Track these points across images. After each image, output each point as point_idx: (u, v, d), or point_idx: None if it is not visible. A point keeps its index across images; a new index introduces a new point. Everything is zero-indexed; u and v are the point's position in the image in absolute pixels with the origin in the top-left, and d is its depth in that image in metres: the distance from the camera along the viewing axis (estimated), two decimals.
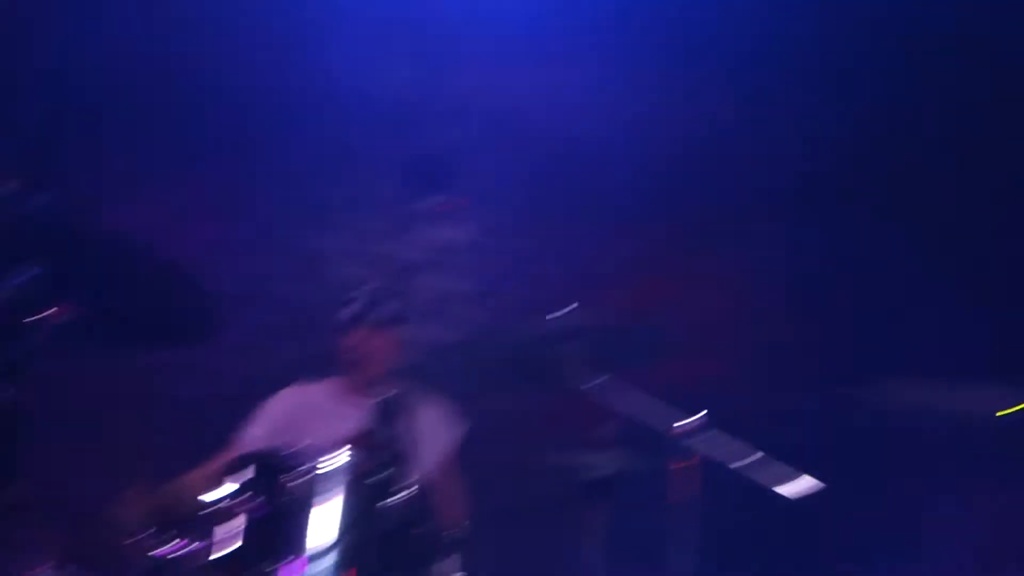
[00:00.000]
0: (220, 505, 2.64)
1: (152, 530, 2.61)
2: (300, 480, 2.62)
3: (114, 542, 3.08)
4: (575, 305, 3.00)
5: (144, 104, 4.65)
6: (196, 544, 2.60)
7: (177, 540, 2.60)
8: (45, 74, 4.59)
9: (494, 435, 4.71)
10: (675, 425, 2.91)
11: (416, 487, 2.75)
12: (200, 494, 3.32)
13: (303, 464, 2.64)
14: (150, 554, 2.60)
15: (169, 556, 2.60)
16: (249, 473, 2.67)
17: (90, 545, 3.29)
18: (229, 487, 2.64)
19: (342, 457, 2.69)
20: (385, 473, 2.68)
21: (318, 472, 2.65)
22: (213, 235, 4.75)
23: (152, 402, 4.56)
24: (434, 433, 3.76)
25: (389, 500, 2.69)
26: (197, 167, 4.74)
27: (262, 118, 4.77)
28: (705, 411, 2.96)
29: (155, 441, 4.39)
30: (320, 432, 3.41)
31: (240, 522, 2.61)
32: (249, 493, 2.64)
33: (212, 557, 2.58)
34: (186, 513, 3.27)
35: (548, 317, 3.08)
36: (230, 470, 2.69)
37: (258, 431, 3.61)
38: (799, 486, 2.88)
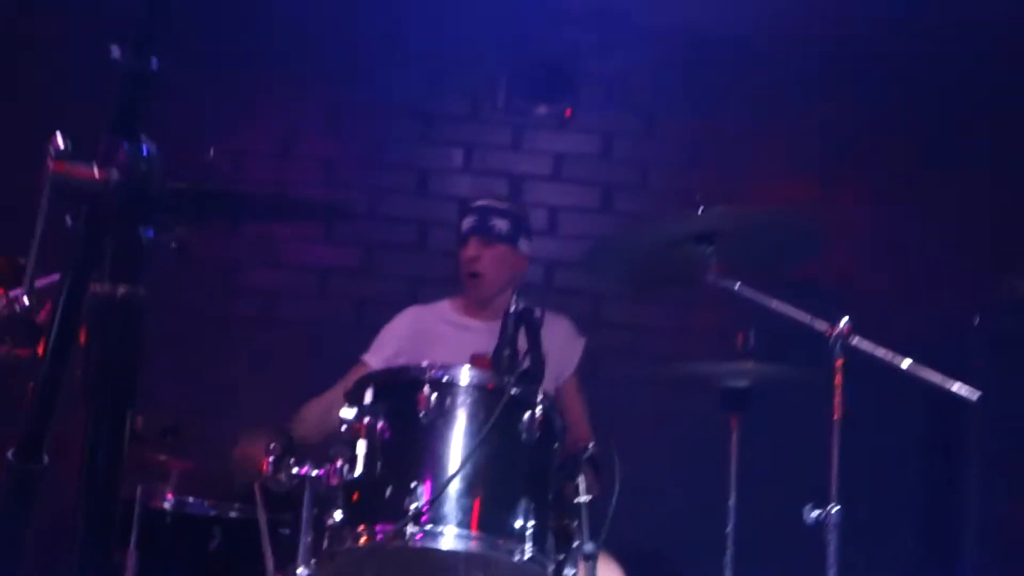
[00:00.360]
0: (346, 429, 2.52)
1: (279, 457, 2.51)
2: (426, 400, 2.49)
3: (241, 470, 3.05)
4: (703, 208, 2.79)
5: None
6: (323, 470, 2.49)
7: (304, 466, 2.49)
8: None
9: (621, 348, 4.59)
10: (823, 329, 2.70)
11: (547, 403, 2.59)
12: (325, 419, 3.31)
13: (428, 384, 2.51)
14: (278, 480, 2.50)
15: (297, 482, 2.50)
16: (373, 396, 2.55)
17: (216, 472, 3.27)
18: (352, 411, 2.53)
19: (468, 375, 2.56)
20: (512, 390, 2.52)
21: (444, 392, 2.52)
22: (325, 155, 4.67)
23: (270, 327, 4.53)
24: (560, 347, 3.65)
25: (519, 418, 2.54)
26: (308, 91, 4.64)
27: (368, 36, 4.63)
28: (848, 317, 2.73)
29: (276, 366, 4.36)
30: (443, 351, 3.34)
31: (366, 446, 2.50)
32: (375, 416, 2.52)
33: (340, 482, 2.48)
34: (312, 438, 3.27)
35: (678, 217, 2.87)
36: (355, 394, 2.58)
37: (381, 354, 3.53)
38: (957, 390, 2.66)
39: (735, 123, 4.69)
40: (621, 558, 3.16)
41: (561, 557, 2.70)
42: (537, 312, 2.71)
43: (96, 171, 0.98)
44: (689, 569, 3.50)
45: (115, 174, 0.99)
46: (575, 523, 2.77)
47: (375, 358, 3.52)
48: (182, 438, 3.13)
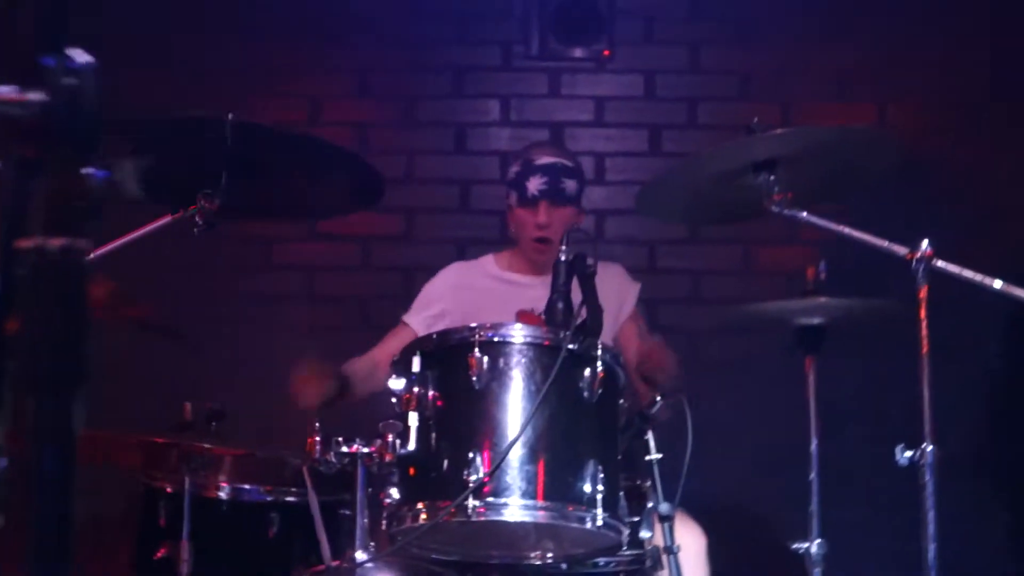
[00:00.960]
0: (396, 401, 2.36)
1: (326, 436, 2.35)
2: (478, 364, 2.31)
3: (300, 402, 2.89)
4: (760, 132, 2.57)
5: None
6: (374, 446, 2.32)
7: (354, 444, 2.33)
8: None
9: (681, 296, 4.39)
10: (902, 253, 2.48)
11: (608, 357, 2.41)
12: (369, 379, 3.16)
13: (478, 347, 2.33)
14: (327, 461, 2.34)
15: (347, 461, 2.34)
16: (421, 364, 2.38)
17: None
18: (401, 381, 2.36)
19: (521, 333, 2.38)
20: (569, 345, 2.33)
21: (496, 353, 2.34)
22: (358, 120, 4.50)
23: (312, 302, 4.39)
24: (616, 295, 3.46)
25: (580, 375, 2.35)
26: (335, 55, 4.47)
27: None
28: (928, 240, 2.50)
29: (322, 341, 4.21)
30: (490, 309, 3.15)
31: (418, 418, 2.33)
32: (424, 385, 2.35)
33: (393, 458, 2.31)
34: (356, 395, 3.10)
35: (732, 146, 2.65)
36: (401, 363, 2.41)
37: (423, 314, 3.36)
38: None
39: (785, 49, 4.44)
40: (700, 516, 2.99)
41: (636, 519, 2.54)
42: (590, 260, 2.51)
43: (14, 94, 0.81)
44: (773, 523, 3.31)
45: (38, 95, 0.81)
46: (648, 483, 2.61)
47: (416, 318, 3.34)
48: (228, 424, 2.98)
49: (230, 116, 2.47)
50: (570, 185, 3.32)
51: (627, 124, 4.47)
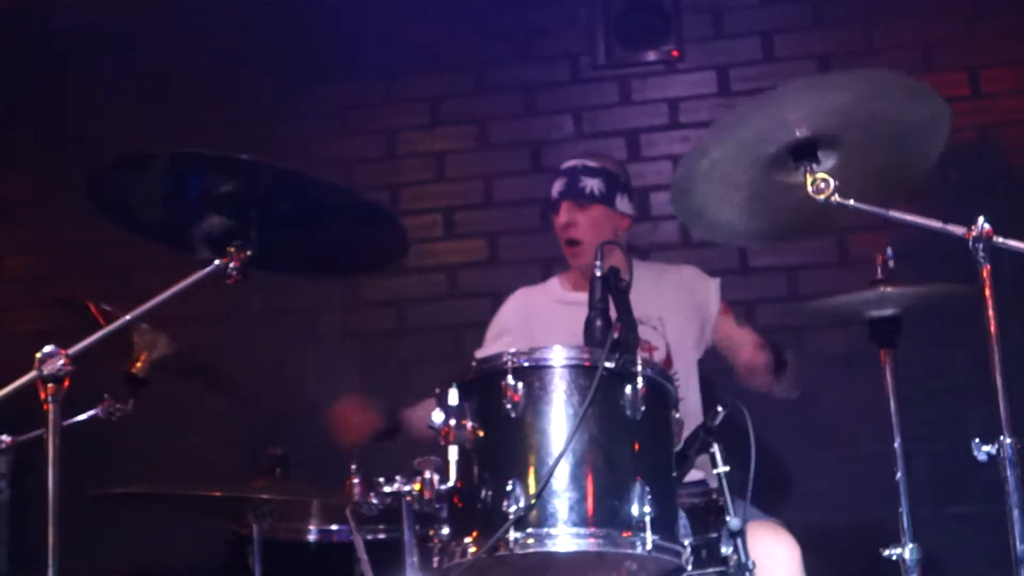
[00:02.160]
0: (437, 436, 2.31)
1: (365, 477, 2.32)
2: (512, 390, 2.25)
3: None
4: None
5: None
6: (415, 483, 2.28)
7: (395, 483, 2.29)
8: None
9: (776, 294, 4.24)
10: (959, 233, 2.31)
11: (651, 371, 2.31)
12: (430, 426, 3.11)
13: (511, 373, 2.26)
14: (369, 502, 2.31)
15: (389, 501, 2.30)
16: (458, 395, 2.32)
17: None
18: (440, 415, 2.30)
19: (553, 356, 2.30)
20: (605, 364, 2.24)
21: (531, 378, 2.26)
22: (433, 150, 4.49)
23: (404, 335, 4.39)
24: (690, 295, 3.37)
25: (620, 393, 2.26)
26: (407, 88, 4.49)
27: (455, 16, 4.44)
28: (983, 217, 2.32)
29: (416, 376, 4.21)
30: (555, 333, 3.07)
31: (457, 451, 2.28)
32: (461, 416, 2.29)
33: (433, 494, 2.26)
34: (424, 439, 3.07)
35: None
36: (441, 396, 2.35)
37: (493, 347, 3.31)
38: None
39: (863, 26, 4.25)
40: (791, 523, 2.85)
41: (714, 535, 2.43)
42: (623, 272, 2.42)
43: None
44: (864, 526, 3.13)
45: None
46: (722, 498, 2.50)
47: (487, 352, 3.30)
48: (295, 467, 3.01)
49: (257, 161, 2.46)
50: (591, 183, 3.26)
51: (703, 123, 4.33)
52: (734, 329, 3.35)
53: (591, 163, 3.33)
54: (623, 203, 3.34)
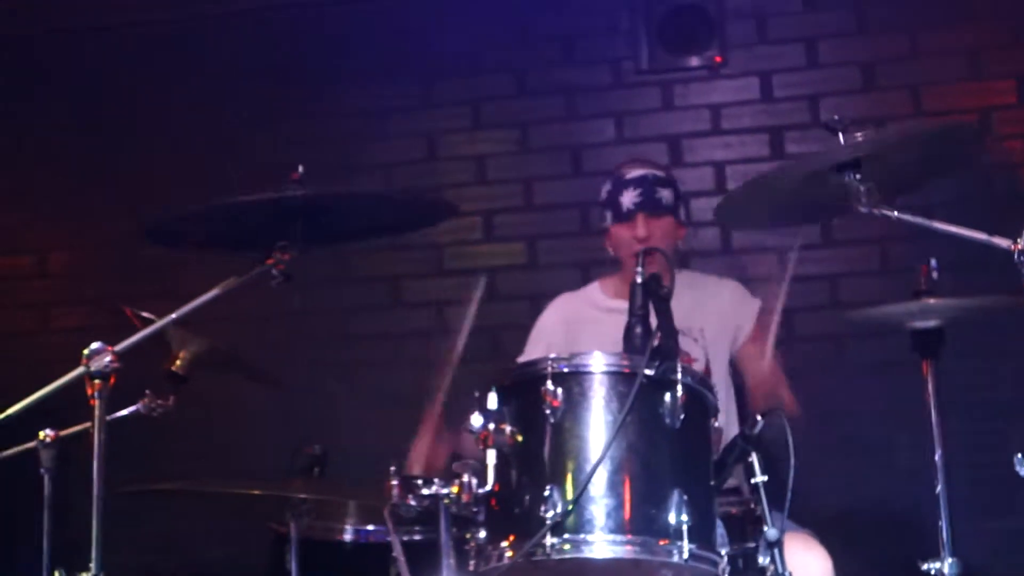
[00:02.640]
0: (476, 439, 2.31)
1: (404, 479, 2.34)
2: (552, 396, 2.25)
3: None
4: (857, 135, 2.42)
5: None
6: (453, 487, 2.29)
7: (432, 486, 2.30)
8: None
9: (818, 302, 4.21)
10: (1005, 245, 2.28)
11: (691, 379, 2.30)
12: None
13: (551, 379, 2.26)
14: (407, 504, 2.32)
15: (428, 503, 2.32)
16: (498, 399, 2.32)
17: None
18: (480, 419, 2.31)
19: (594, 363, 2.30)
20: (645, 371, 2.24)
21: (571, 384, 2.27)
22: (474, 153, 4.50)
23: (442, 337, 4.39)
24: (731, 312, 3.35)
25: (660, 401, 2.25)
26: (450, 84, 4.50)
27: (496, 20, 4.45)
28: None
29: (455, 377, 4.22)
30: (598, 340, 3.06)
31: (496, 455, 2.28)
32: (500, 421, 2.29)
33: (471, 498, 2.27)
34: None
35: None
36: (481, 399, 2.36)
37: (535, 354, 3.31)
38: None
39: (909, 31, 4.22)
40: (822, 533, 2.83)
41: (751, 545, 2.42)
42: (664, 279, 2.42)
43: None
44: (902, 538, 3.11)
45: None
46: (760, 507, 2.49)
47: (538, 357, 3.29)
48: (335, 466, 3.03)
49: (298, 173, 2.49)
50: (665, 194, 3.25)
51: (746, 130, 4.33)
52: (756, 358, 3.35)
53: (660, 173, 3.32)
54: (683, 213, 3.36)
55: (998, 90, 4.17)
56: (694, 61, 4.35)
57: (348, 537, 3.22)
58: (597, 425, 2.25)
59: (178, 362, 2.91)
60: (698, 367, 3.27)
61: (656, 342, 2.32)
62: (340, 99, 4.50)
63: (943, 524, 2.60)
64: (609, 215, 3.31)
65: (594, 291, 3.45)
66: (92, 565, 2.20)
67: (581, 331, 3.28)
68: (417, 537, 3.13)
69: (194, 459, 4.01)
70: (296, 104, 4.49)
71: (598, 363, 2.30)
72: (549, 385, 2.25)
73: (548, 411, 2.24)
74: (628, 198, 3.27)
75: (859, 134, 2.44)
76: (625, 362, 2.30)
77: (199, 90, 4.56)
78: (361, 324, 4.39)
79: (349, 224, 2.68)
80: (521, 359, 3.31)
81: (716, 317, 3.33)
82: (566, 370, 2.28)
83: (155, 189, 4.35)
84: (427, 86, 4.52)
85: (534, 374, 2.31)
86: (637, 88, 4.40)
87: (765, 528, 2.40)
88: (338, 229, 2.67)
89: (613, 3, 4.39)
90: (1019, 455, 2.23)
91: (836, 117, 2.46)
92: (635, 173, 3.32)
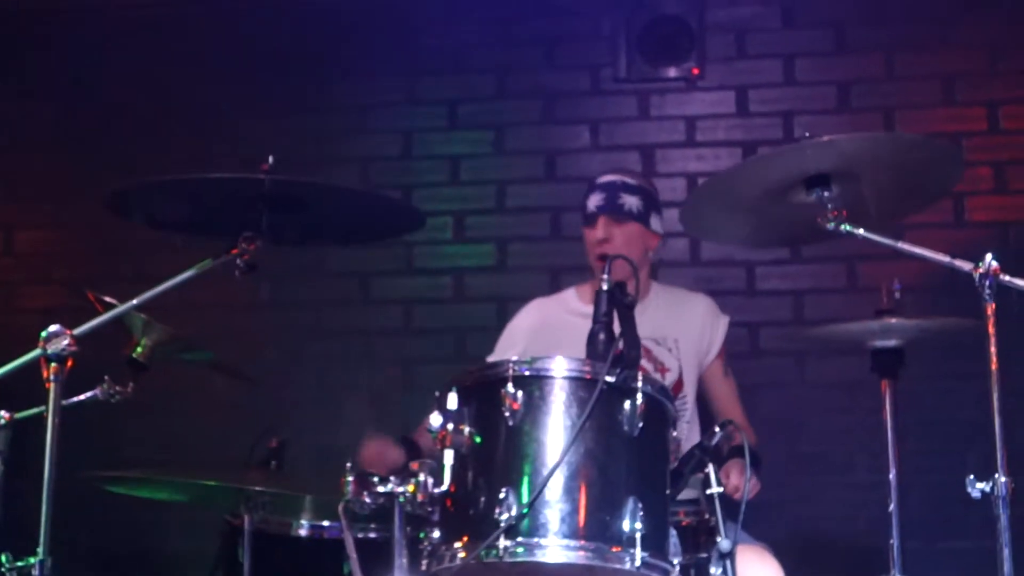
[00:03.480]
0: (433, 438, 2.31)
1: (360, 475, 2.33)
2: (511, 399, 2.25)
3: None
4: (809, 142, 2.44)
5: None
6: (409, 485, 2.29)
7: (388, 483, 2.30)
8: None
9: (782, 318, 4.23)
10: (967, 269, 2.30)
11: (650, 388, 2.31)
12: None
13: (512, 381, 2.26)
14: (361, 501, 2.31)
15: (382, 501, 2.31)
16: (458, 400, 2.32)
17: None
18: (439, 418, 2.31)
19: (555, 368, 2.30)
20: (605, 378, 2.25)
21: (531, 388, 2.27)
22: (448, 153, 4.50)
23: (410, 335, 4.40)
24: (699, 328, 3.37)
25: (619, 408, 2.26)
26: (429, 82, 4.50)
27: (479, 20, 4.45)
28: (992, 254, 2.32)
29: (421, 375, 4.22)
30: (573, 346, 3.08)
31: (453, 456, 2.28)
32: (459, 421, 2.29)
33: (426, 497, 2.27)
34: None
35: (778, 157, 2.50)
36: (441, 399, 2.35)
37: (506, 355, 3.30)
38: None
39: (885, 54, 4.26)
40: (776, 546, 2.85)
41: (704, 556, 2.44)
42: (629, 288, 2.42)
43: None
44: (851, 553, 3.14)
45: None
46: (714, 518, 2.50)
47: (500, 359, 3.29)
48: (293, 460, 3.02)
49: (268, 164, 2.49)
50: (631, 200, 3.26)
51: (720, 143, 4.35)
52: (719, 380, 3.38)
53: (630, 180, 3.34)
54: (656, 222, 3.36)
55: (969, 116, 4.21)
56: (672, 72, 4.36)
57: (303, 532, 3.20)
58: (555, 429, 2.24)
59: (139, 349, 2.88)
60: (671, 377, 3.29)
61: (618, 349, 2.32)
62: (320, 93, 4.48)
63: (894, 542, 2.63)
64: (581, 218, 3.35)
65: (570, 296, 3.46)
66: (39, 550, 2.17)
67: (553, 336, 3.29)
68: (372, 535, 3.15)
69: (154, 447, 3.99)
70: (279, 97, 4.47)
71: (559, 368, 2.30)
72: (509, 388, 2.25)
73: (507, 413, 2.24)
74: (592, 201, 3.33)
75: (827, 138, 2.45)
76: (586, 368, 2.30)
77: (177, 75, 4.53)
78: (329, 319, 4.37)
79: (315, 220, 2.68)
80: (492, 359, 3.32)
81: (689, 329, 3.36)
82: (527, 373, 2.28)
83: (126, 168, 4.31)
84: (407, 83, 4.51)
85: (495, 376, 2.31)
86: (614, 96, 4.41)
87: (718, 539, 2.41)
88: (305, 223, 2.67)
89: (596, 9, 4.39)
90: (971, 476, 2.25)
91: (807, 134, 2.48)
92: (604, 179, 3.37)
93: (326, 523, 3.20)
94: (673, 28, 4.35)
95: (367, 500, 2.31)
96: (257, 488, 2.94)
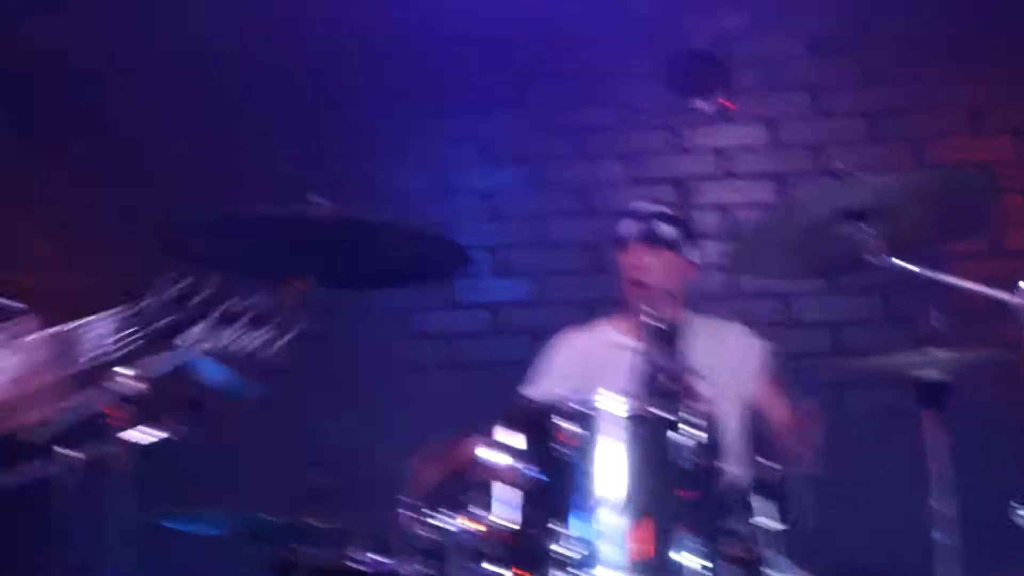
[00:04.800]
0: (483, 471, 2.37)
1: (413, 508, 2.38)
2: (562, 433, 2.30)
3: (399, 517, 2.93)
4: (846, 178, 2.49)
5: None
6: (460, 517, 2.34)
7: (440, 515, 2.35)
8: None
9: (820, 348, 4.25)
10: (1003, 298, 2.34)
11: (697, 421, 2.35)
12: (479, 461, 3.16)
13: (563, 417, 2.32)
14: (415, 534, 2.37)
15: (434, 533, 2.36)
16: (522, 433, 2.38)
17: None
18: (489, 451, 2.36)
19: (604, 403, 2.35)
20: (652, 411, 2.30)
21: (581, 423, 2.32)
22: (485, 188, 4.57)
23: (451, 369, 4.45)
24: (736, 356, 3.39)
25: (666, 441, 2.31)
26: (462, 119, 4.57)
27: (517, 57, 4.53)
28: None
29: (459, 410, 4.25)
30: (615, 377, 3.11)
31: (520, 485, 2.33)
32: (510, 455, 2.35)
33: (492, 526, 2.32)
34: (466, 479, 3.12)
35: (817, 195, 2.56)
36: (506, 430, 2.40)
37: (541, 385, 3.35)
38: None
39: (912, 85, 4.30)
40: None
41: None
42: (673, 322, 2.47)
43: None
44: None
45: None
46: (761, 550, 2.53)
47: (535, 390, 3.34)
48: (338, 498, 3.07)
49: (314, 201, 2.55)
50: (666, 229, 3.28)
51: (752, 175, 4.40)
52: (771, 401, 3.39)
53: (667, 211, 3.38)
54: (692, 253, 3.37)
55: (996, 145, 4.25)
56: (702, 105, 4.42)
57: (357, 567, 3.24)
58: (608, 465, 2.30)
59: (196, 387, 2.95)
60: (708, 408, 3.30)
61: (668, 384, 2.38)
62: (356, 129, 4.54)
63: (938, 572, 2.65)
64: (615, 246, 3.39)
65: (605, 328, 3.48)
66: None
67: (589, 366, 3.31)
68: (426, 568, 3.19)
69: (205, 485, 4.04)
70: (317, 122, 4.52)
71: (612, 404, 2.35)
72: (563, 423, 2.31)
73: (561, 448, 2.30)
74: (627, 228, 3.35)
75: (865, 175, 2.49)
76: (638, 403, 2.36)
77: (209, 112, 4.58)
78: (369, 355, 4.42)
79: (368, 259, 2.74)
80: (528, 390, 3.35)
81: (725, 358, 3.37)
82: (580, 409, 2.33)
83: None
84: (439, 119, 4.57)
85: (549, 411, 2.36)
86: (646, 129, 4.47)
87: (766, 570, 2.44)
88: (353, 263, 2.72)
89: (633, 46, 4.46)
90: (1012, 503, 2.28)
91: (840, 165, 2.52)
92: (643, 208, 3.39)
93: (380, 557, 3.26)
94: (703, 62, 4.42)
95: (420, 533, 2.37)
96: (310, 523, 3.00)
